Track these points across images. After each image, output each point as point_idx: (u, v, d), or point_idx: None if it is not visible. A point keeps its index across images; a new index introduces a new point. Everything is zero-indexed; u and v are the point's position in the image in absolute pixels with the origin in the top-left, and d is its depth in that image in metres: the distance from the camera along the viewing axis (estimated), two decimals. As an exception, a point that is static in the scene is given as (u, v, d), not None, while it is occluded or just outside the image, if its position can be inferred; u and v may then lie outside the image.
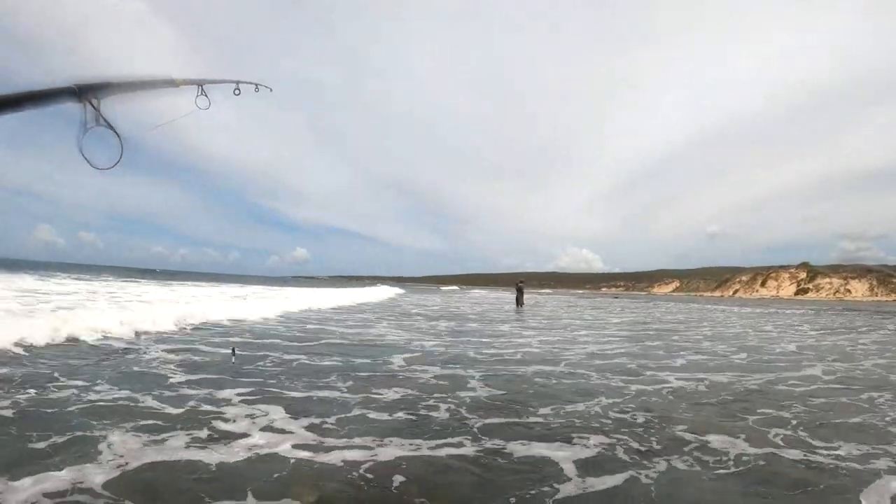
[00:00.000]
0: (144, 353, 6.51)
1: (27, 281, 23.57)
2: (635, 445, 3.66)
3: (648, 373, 6.64)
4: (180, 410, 3.93)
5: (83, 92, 1.93)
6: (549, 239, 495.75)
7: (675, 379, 6.38)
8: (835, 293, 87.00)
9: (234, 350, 6.76)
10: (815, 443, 3.90)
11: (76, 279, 30.09)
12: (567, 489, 2.92)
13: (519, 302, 26.21)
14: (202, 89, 2.82)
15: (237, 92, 3.27)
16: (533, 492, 2.83)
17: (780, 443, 3.83)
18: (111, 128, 2.01)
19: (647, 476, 3.09)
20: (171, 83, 2.54)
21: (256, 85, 3.51)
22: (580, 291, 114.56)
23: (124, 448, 3.06)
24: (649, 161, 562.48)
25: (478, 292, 64.81)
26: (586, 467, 3.21)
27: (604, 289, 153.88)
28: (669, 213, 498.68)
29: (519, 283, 28.12)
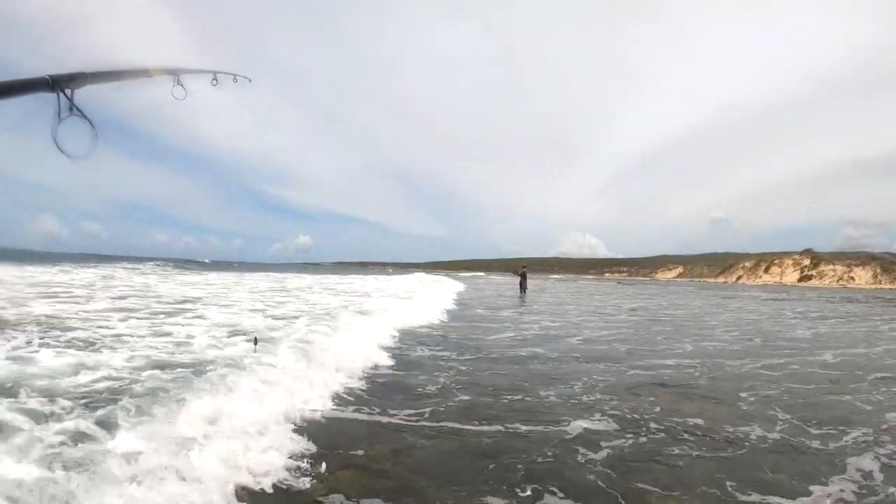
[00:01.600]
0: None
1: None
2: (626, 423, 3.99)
3: (644, 361, 6.92)
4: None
5: (56, 82, 1.94)
6: (551, 224, 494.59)
7: (679, 363, 6.82)
8: (838, 280, 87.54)
9: (255, 340, 6.56)
10: (799, 425, 4.14)
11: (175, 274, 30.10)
12: (539, 459, 3.23)
13: (522, 287, 26.53)
14: (178, 80, 2.75)
15: (215, 82, 3.19)
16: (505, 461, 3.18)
17: (770, 424, 4.11)
18: (85, 117, 2.02)
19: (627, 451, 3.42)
20: (146, 73, 2.51)
21: (234, 76, 3.41)
22: (589, 277, 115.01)
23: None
24: (653, 146, 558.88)
25: (497, 277, 65.47)
26: (561, 444, 3.50)
27: (607, 274, 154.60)
28: (673, 199, 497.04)
29: (522, 268, 28.40)
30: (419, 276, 41.71)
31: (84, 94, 2.04)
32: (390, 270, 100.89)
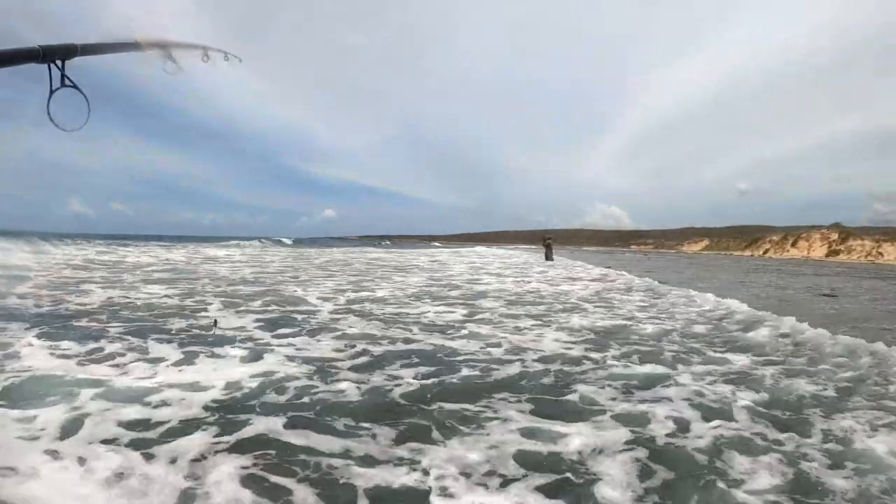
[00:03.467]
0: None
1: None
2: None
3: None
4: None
5: (48, 53, 1.90)
6: (576, 195, 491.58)
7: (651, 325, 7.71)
8: (867, 255, 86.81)
9: (215, 322, 6.71)
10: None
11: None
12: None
13: (548, 258, 27.36)
14: (168, 54, 2.73)
15: (205, 59, 3.17)
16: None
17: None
18: (77, 88, 1.99)
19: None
20: (136, 46, 2.44)
21: (226, 53, 3.40)
22: (629, 250, 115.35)
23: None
24: (678, 115, 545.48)
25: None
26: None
27: (633, 246, 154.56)
28: (699, 169, 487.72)
29: (547, 239, 28.94)
30: (487, 250, 42.29)
31: (76, 67, 2.00)
32: (437, 244, 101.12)
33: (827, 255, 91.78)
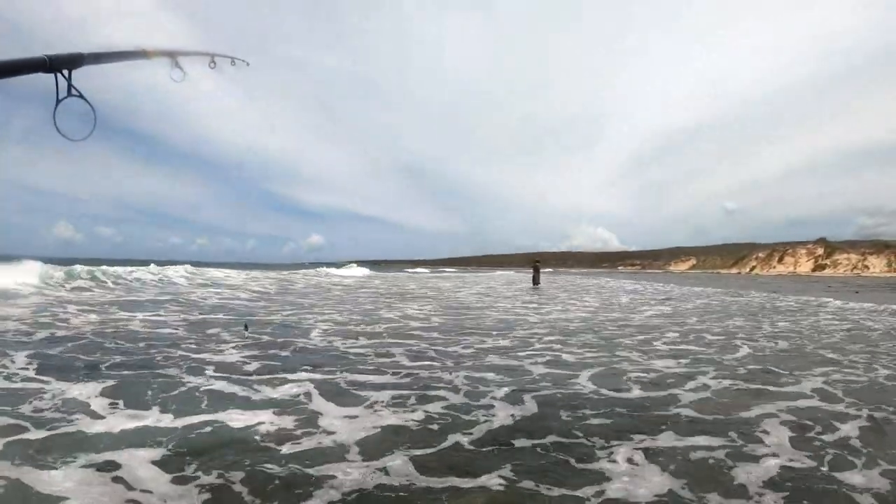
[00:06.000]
0: None
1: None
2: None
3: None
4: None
5: (54, 63, 1.92)
6: (563, 218, 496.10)
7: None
8: (852, 269, 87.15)
9: (246, 326, 6.99)
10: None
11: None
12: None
13: (535, 281, 27.41)
14: (175, 61, 2.77)
15: (212, 65, 3.22)
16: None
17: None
18: (83, 98, 2.01)
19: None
20: (143, 54, 2.47)
21: (232, 58, 3.42)
22: (627, 271, 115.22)
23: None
24: (665, 137, 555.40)
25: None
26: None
27: (620, 267, 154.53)
28: (686, 190, 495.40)
29: (535, 262, 29.45)
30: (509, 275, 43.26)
31: (82, 76, 2.04)
32: (448, 270, 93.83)
33: (813, 270, 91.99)
